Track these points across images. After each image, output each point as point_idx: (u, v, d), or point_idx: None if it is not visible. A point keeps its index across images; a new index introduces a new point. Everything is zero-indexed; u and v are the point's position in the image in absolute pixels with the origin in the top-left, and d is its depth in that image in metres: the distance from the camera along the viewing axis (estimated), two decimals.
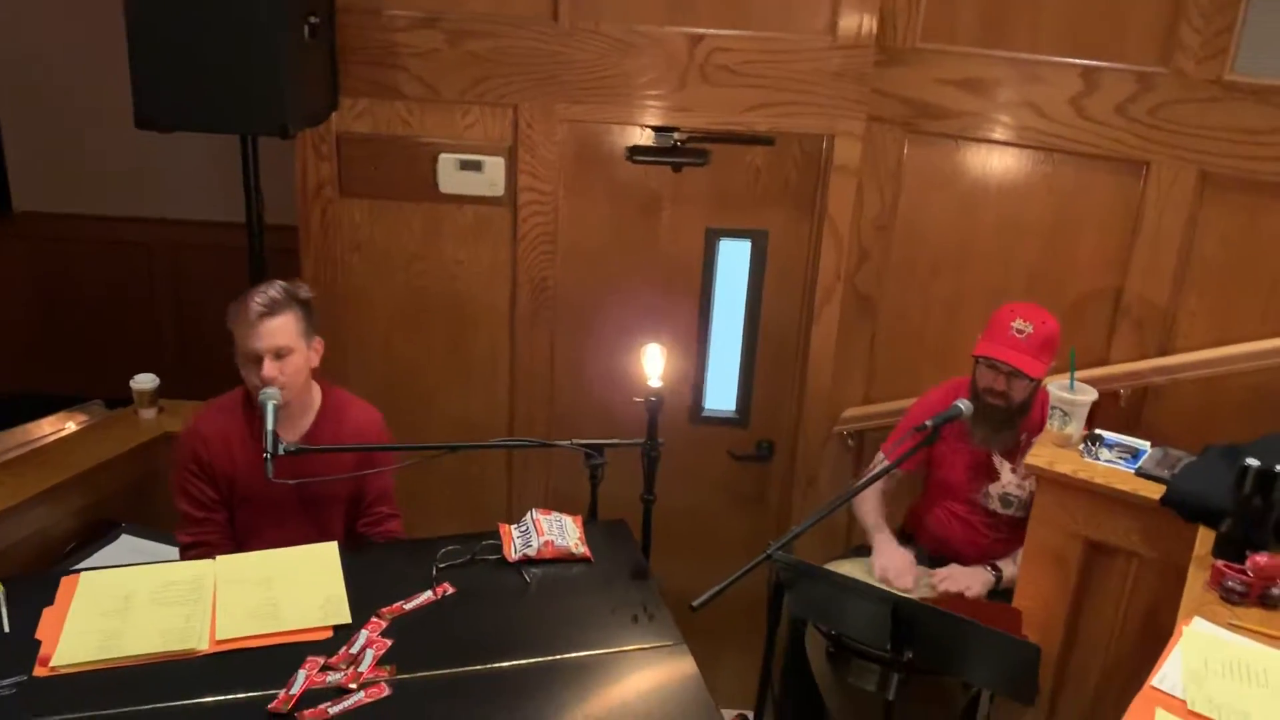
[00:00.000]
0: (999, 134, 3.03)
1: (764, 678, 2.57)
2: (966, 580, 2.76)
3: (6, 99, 5.00)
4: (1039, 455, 2.30)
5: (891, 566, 2.78)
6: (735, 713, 3.17)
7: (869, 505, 2.99)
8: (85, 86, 4.83)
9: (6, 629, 2.08)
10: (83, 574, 2.23)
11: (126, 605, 2.14)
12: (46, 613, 2.12)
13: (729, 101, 3.12)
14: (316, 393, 2.65)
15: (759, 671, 2.57)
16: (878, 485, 3.04)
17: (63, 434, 3.42)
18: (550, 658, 2.08)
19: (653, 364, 2.47)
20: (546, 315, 3.38)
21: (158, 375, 3.38)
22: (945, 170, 3.14)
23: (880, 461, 3.08)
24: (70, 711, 1.89)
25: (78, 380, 4.08)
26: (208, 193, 4.75)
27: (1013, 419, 2.76)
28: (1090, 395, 2.35)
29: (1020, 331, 2.67)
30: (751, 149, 3.26)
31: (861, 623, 2.40)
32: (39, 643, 2.04)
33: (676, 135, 3.19)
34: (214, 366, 2.85)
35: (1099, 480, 2.22)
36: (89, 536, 3.13)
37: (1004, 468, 2.86)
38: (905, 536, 3.07)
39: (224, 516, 2.59)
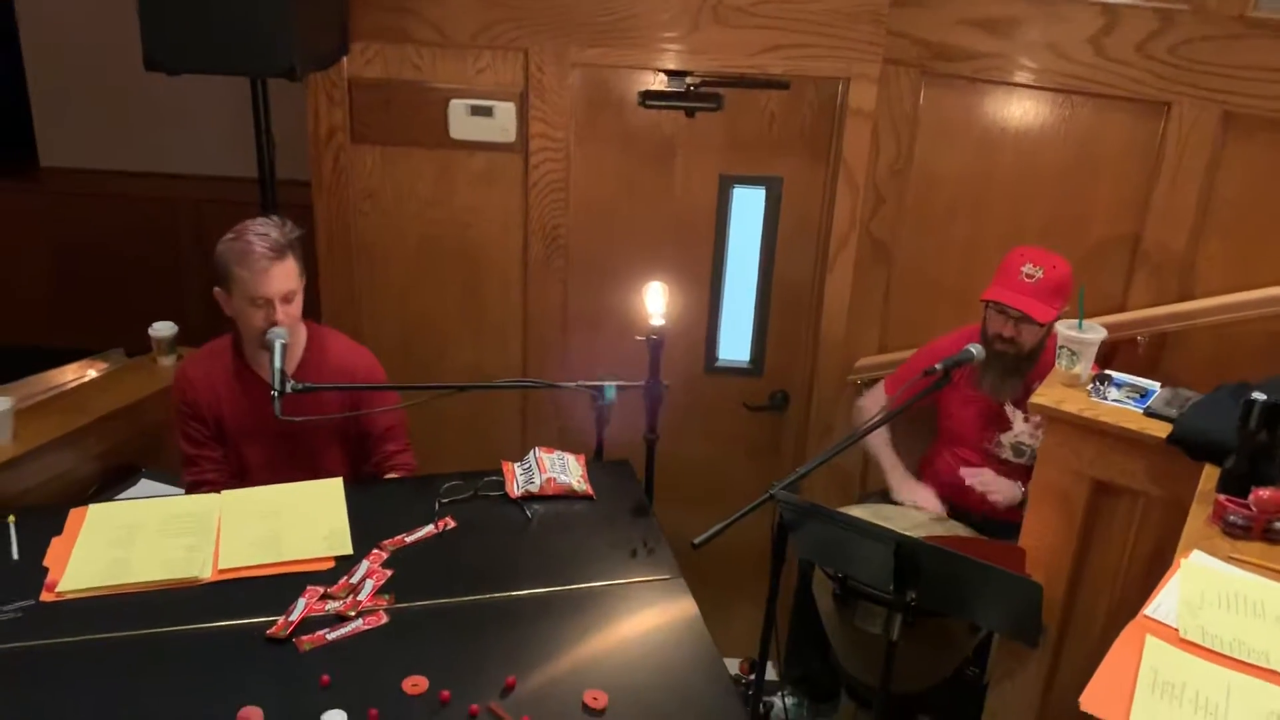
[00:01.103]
0: (1017, 75, 2.98)
1: (767, 620, 2.57)
2: (996, 485, 2.75)
3: (34, 55, 5.05)
4: (1046, 394, 2.27)
5: (920, 496, 2.79)
6: (744, 659, 3.17)
7: (884, 450, 2.98)
8: (111, 43, 4.85)
9: (16, 556, 2.13)
10: (91, 506, 2.27)
11: (133, 536, 2.18)
12: (55, 542, 2.16)
13: (743, 44, 3.08)
14: (303, 332, 2.65)
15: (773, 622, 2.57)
16: (886, 432, 3.03)
17: (84, 380, 3.47)
18: (547, 589, 2.10)
19: (655, 302, 2.46)
20: (558, 263, 3.37)
21: (181, 329, 3.42)
22: (962, 113, 3.09)
23: (884, 400, 3.07)
24: (74, 635, 1.93)
25: (101, 334, 4.12)
26: (230, 149, 4.77)
27: (1020, 366, 2.73)
28: (1099, 334, 2.31)
29: (1030, 276, 2.63)
30: (766, 94, 3.22)
31: (865, 563, 2.39)
32: (46, 570, 2.08)
33: (690, 79, 3.15)
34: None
35: (1106, 419, 2.18)
36: (110, 480, 3.17)
37: (1016, 417, 2.83)
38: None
39: (220, 453, 2.62)
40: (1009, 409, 2.84)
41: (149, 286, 5.04)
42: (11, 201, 5.24)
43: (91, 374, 3.52)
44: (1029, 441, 2.79)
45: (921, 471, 3.10)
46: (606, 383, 2.53)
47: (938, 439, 3.08)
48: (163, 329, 3.44)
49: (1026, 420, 2.80)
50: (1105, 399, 2.26)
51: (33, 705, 1.76)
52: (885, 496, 3.02)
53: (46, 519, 2.23)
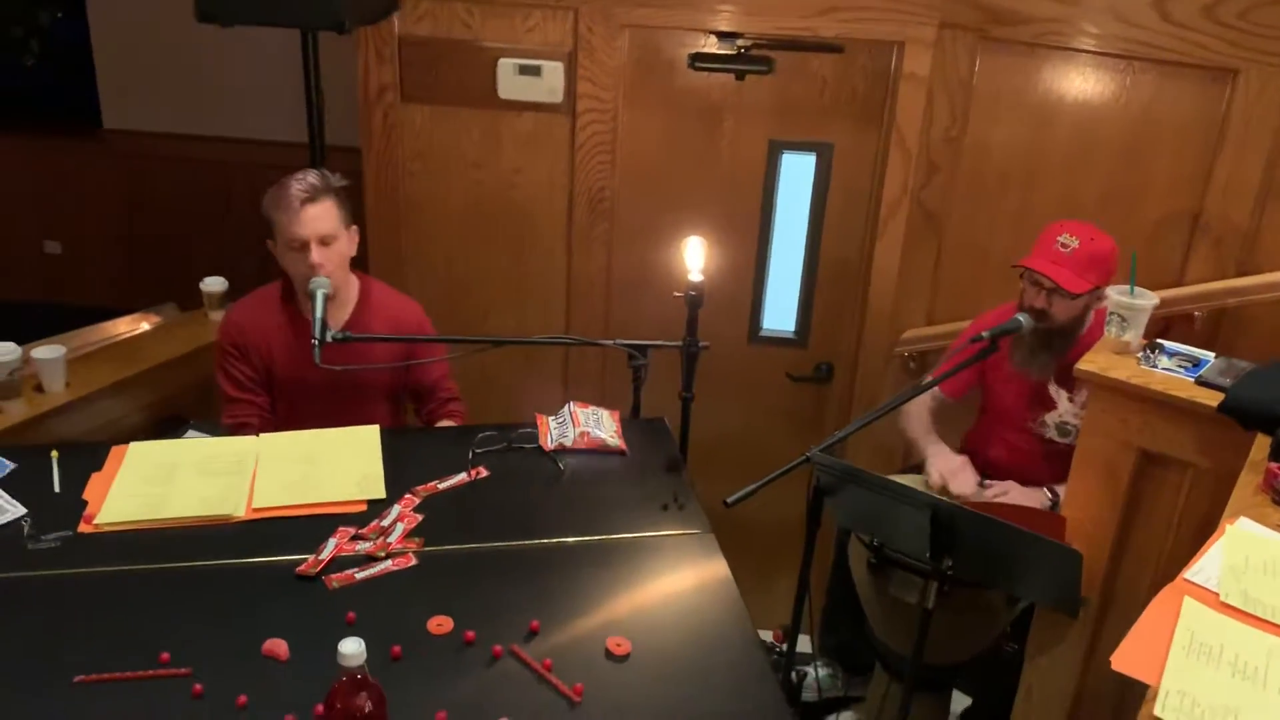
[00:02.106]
0: (1077, 41, 2.90)
1: (800, 586, 2.54)
2: (1022, 499, 2.68)
3: (99, 22, 5.15)
4: (1093, 361, 2.20)
5: (948, 469, 2.72)
6: (778, 626, 3.15)
7: (917, 421, 2.92)
8: (172, 11, 4.92)
9: (57, 489, 2.17)
10: (131, 444, 2.31)
11: (171, 474, 2.21)
12: (95, 477, 2.19)
13: (796, 6, 3.03)
14: (354, 284, 2.67)
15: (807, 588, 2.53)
16: (926, 407, 2.98)
17: (136, 332, 3.53)
18: (575, 538, 2.09)
19: (694, 257, 2.43)
20: (603, 226, 3.35)
21: (233, 287, 3.46)
22: (1018, 80, 3.02)
23: (933, 391, 3.01)
24: (109, 565, 1.96)
25: (158, 293, 4.20)
26: (285, 115, 4.82)
27: (1052, 341, 2.65)
28: (1150, 300, 2.24)
29: (1065, 246, 2.56)
30: (818, 57, 3.16)
31: (901, 529, 2.34)
32: (85, 503, 2.12)
33: (740, 42, 3.11)
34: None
35: (1156, 387, 2.12)
36: (157, 430, 3.22)
37: (1061, 396, 2.76)
38: None
39: (264, 399, 2.65)
40: (1052, 388, 2.77)
41: (204, 246, 5.12)
42: (75, 162, 5.37)
43: (144, 326, 3.59)
44: (1074, 421, 2.72)
45: (963, 452, 3.04)
46: (643, 342, 2.51)
47: (980, 419, 3.02)
48: (213, 284, 3.49)
49: (1071, 400, 2.73)
50: (1155, 367, 2.19)
51: (66, 631, 1.80)
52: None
53: (87, 455, 2.27)
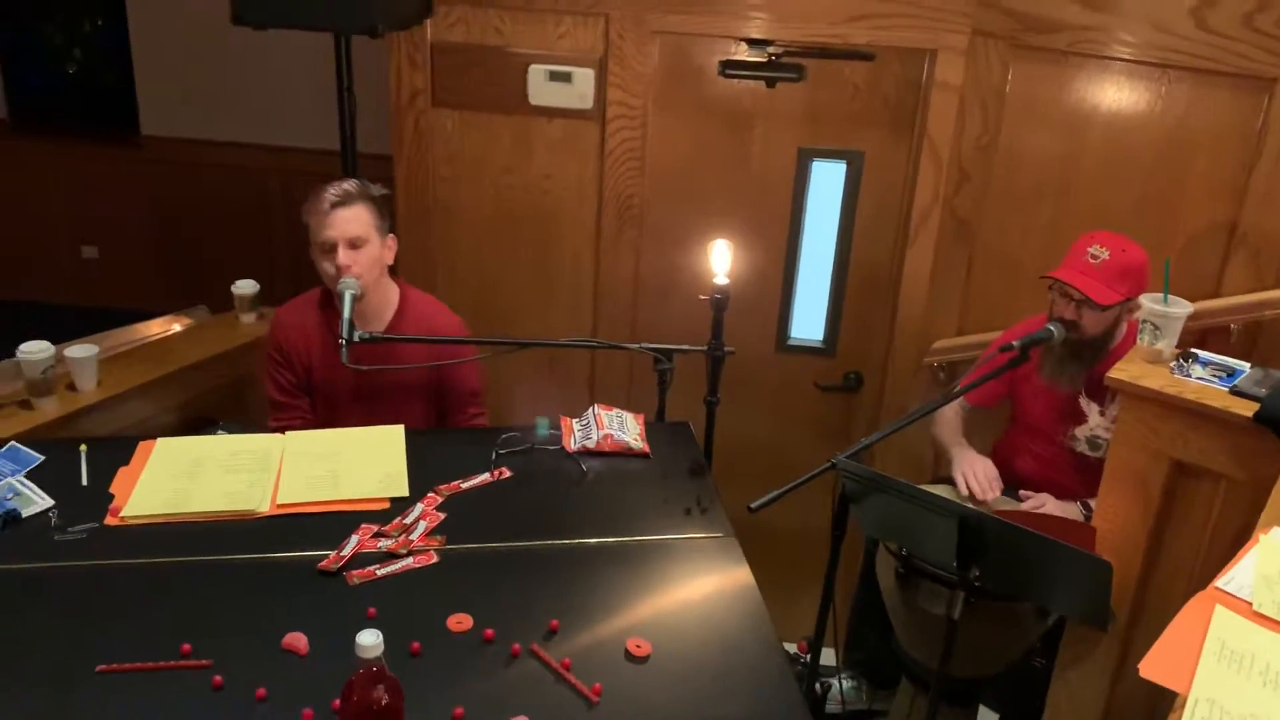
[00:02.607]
0: (1112, 49, 2.87)
1: (825, 594, 2.51)
2: (1057, 511, 2.64)
3: (139, 31, 5.23)
4: (1125, 370, 2.17)
5: (975, 473, 2.68)
6: (801, 638, 3.12)
7: (947, 427, 2.89)
8: (210, 21, 5.00)
9: (85, 482, 2.18)
10: (159, 440, 2.32)
11: (196, 469, 2.22)
12: (122, 471, 2.21)
13: (827, 12, 3.02)
14: (394, 293, 2.68)
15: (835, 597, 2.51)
16: (956, 415, 2.95)
17: (168, 334, 3.57)
18: (596, 539, 2.08)
19: (720, 260, 2.42)
20: (632, 233, 3.35)
21: (266, 292, 3.49)
22: (1052, 89, 2.99)
23: (962, 400, 2.98)
24: (134, 557, 1.97)
25: (191, 296, 4.25)
26: (320, 123, 4.88)
27: (1083, 353, 2.61)
28: (1184, 308, 2.20)
29: (1095, 257, 2.53)
30: (849, 65, 3.16)
31: (928, 538, 2.31)
32: (112, 496, 2.13)
33: (771, 49, 3.11)
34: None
35: (1189, 396, 2.08)
36: (187, 432, 3.24)
37: (1092, 410, 2.72)
38: None
39: (306, 403, 2.68)
40: (1083, 401, 2.73)
41: (238, 251, 5.19)
42: (113, 168, 5.45)
43: (175, 328, 3.62)
44: (1104, 435, 2.68)
45: (992, 459, 3.00)
46: (668, 346, 2.51)
47: (1010, 431, 2.98)
48: (245, 287, 3.52)
49: (1102, 413, 2.69)
50: (1189, 376, 2.16)
51: (90, 621, 1.81)
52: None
53: (116, 449, 2.30)
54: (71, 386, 2.94)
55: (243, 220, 5.31)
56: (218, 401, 3.36)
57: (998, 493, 2.66)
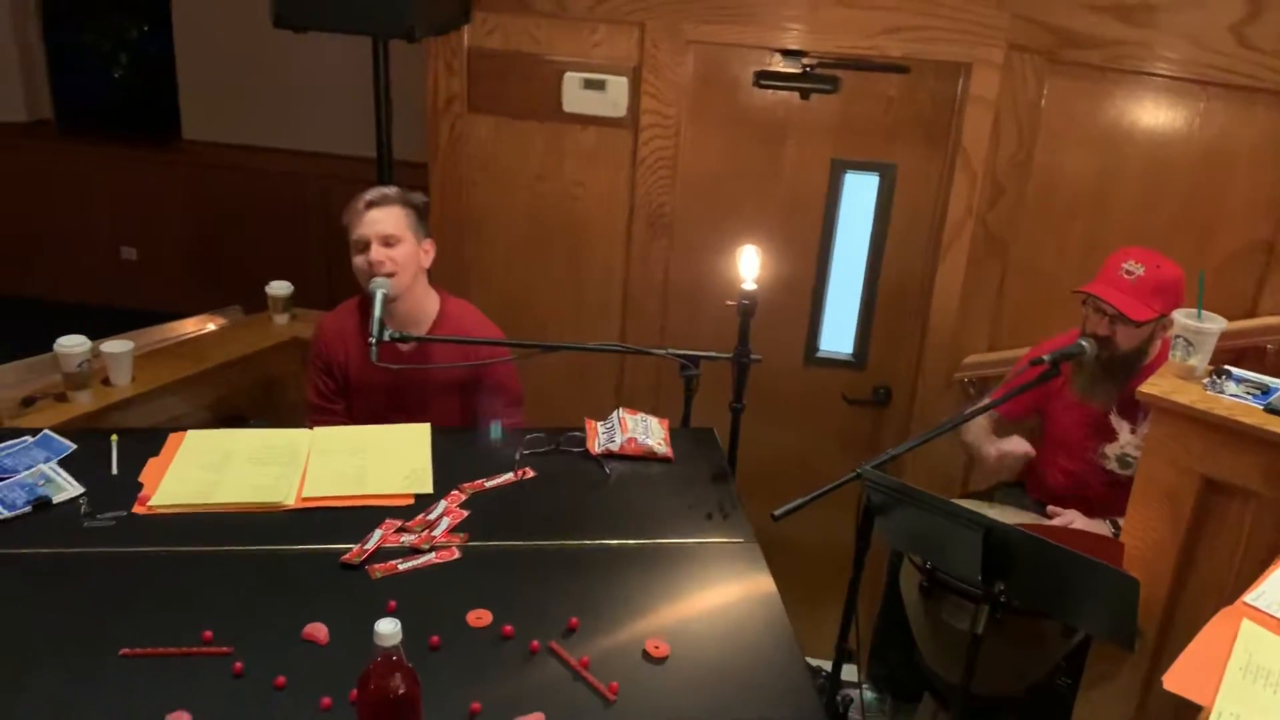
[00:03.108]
0: (1149, 65, 2.85)
1: (848, 606, 2.49)
2: (1086, 528, 2.61)
3: (183, 39, 5.32)
4: (1156, 385, 2.14)
5: (1003, 444, 2.69)
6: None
7: (978, 432, 2.87)
8: (252, 30, 5.08)
9: (115, 471, 2.22)
10: (189, 432, 2.35)
11: (225, 461, 2.25)
12: (151, 461, 2.24)
13: (863, 24, 3.03)
14: (434, 300, 2.70)
15: (859, 611, 2.49)
16: (984, 428, 2.92)
17: (202, 332, 3.62)
18: (618, 540, 2.08)
19: (748, 265, 2.42)
20: (662, 241, 3.36)
21: (301, 296, 3.53)
22: (1088, 104, 2.97)
23: (992, 413, 2.95)
24: (161, 545, 2.00)
25: (227, 301, 4.30)
26: (356, 129, 4.94)
27: (1115, 370, 2.59)
28: (1218, 324, 2.17)
29: (1129, 273, 2.50)
30: (884, 78, 3.15)
31: (953, 551, 2.28)
32: (141, 485, 2.16)
33: (806, 60, 3.11)
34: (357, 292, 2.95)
35: (1221, 412, 2.05)
36: (219, 428, 3.29)
37: (1123, 428, 2.69)
38: (1020, 490, 2.93)
39: (342, 407, 2.71)
40: (1114, 418, 2.70)
41: (273, 255, 5.24)
42: (154, 172, 5.53)
43: (210, 327, 3.68)
44: (1135, 453, 2.64)
45: (1022, 478, 2.97)
46: (695, 353, 2.51)
47: (1041, 445, 2.95)
48: (279, 288, 3.56)
49: (1133, 431, 2.66)
50: (1222, 393, 2.13)
51: (115, 606, 1.83)
52: (988, 496, 2.91)
53: (146, 440, 2.33)
54: (107, 381, 2.99)
55: (279, 225, 5.37)
56: (249, 400, 3.40)
57: (1027, 446, 2.65)
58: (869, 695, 3.06)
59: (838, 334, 3.50)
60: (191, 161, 5.47)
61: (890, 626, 2.97)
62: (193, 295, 5.31)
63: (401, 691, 1.42)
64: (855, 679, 2.91)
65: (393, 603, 1.83)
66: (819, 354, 3.52)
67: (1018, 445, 2.70)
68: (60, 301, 5.56)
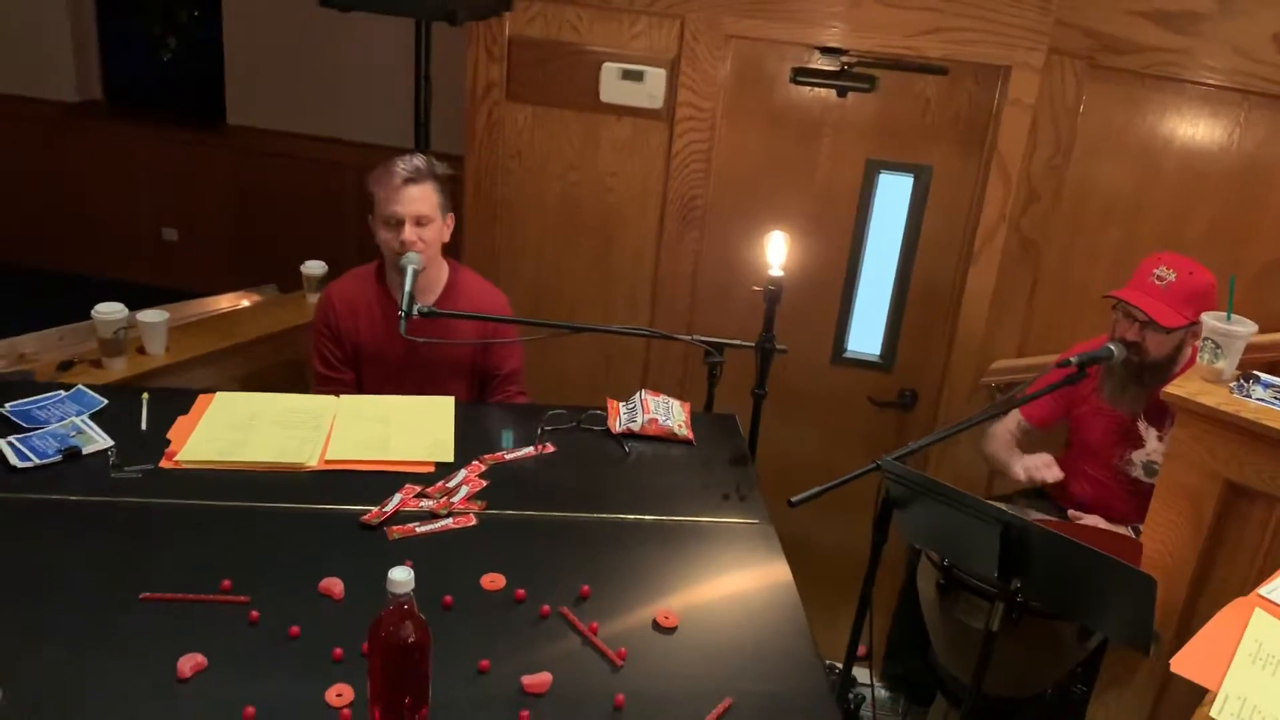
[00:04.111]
0: (1190, 73, 2.83)
1: (863, 600, 2.49)
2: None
3: (232, 25, 5.41)
4: (1182, 386, 2.13)
5: (1033, 464, 2.66)
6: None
7: (1000, 443, 2.86)
8: (299, 19, 5.17)
9: (144, 427, 2.26)
10: (217, 393, 2.39)
11: (251, 422, 2.29)
12: (180, 420, 2.28)
13: (903, 24, 3.03)
14: (444, 269, 2.73)
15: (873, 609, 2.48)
16: (1010, 433, 2.91)
17: (236, 308, 3.67)
18: (633, 516, 2.10)
19: (775, 251, 2.43)
20: (693, 235, 3.37)
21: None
22: (1126, 111, 2.96)
23: (1018, 419, 2.94)
24: (185, 499, 2.03)
25: (263, 283, 4.35)
26: (396, 121, 5.00)
27: (1143, 376, 2.57)
28: (1248, 328, 2.15)
29: (1161, 279, 2.49)
30: (922, 79, 3.15)
31: (971, 548, 2.27)
32: (169, 441, 2.20)
33: (844, 59, 3.12)
34: None
35: (1247, 416, 2.03)
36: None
37: (1150, 434, 2.67)
38: (1042, 495, 2.92)
39: (350, 377, 2.73)
40: (1141, 425, 2.68)
41: (310, 241, 5.29)
42: (197, 155, 5.62)
43: (244, 304, 3.73)
44: (1161, 461, 2.62)
45: (1047, 485, 2.95)
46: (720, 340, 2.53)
47: (1066, 453, 2.93)
48: (314, 267, 3.61)
49: (1160, 438, 2.64)
50: (1249, 397, 2.11)
51: (138, 554, 1.87)
52: (1010, 501, 2.90)
53: (176, 399, 2.37)
54: (141, 350, 3.05)
55: (316, 211, 5.44)
56: (279, 376, 3.44)
57: (1058, 472, 2.61)
58: (882, 694, 3.05)
59: (866, 335, 3.49)
60: (234, 146, 5.55)
61: (906, 626, 2.96)
62: (230, 277, 5.38)
63: (411, 640, 1.44)
64: (868, 678, 2.90)
65: (409, 562, 1.84)
66: (846, 354, 3.51)
67: (1049, 472, 2.67)
68: (101, 278, 5.65)
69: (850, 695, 2.86)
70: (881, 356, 3.50)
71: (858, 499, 3.32)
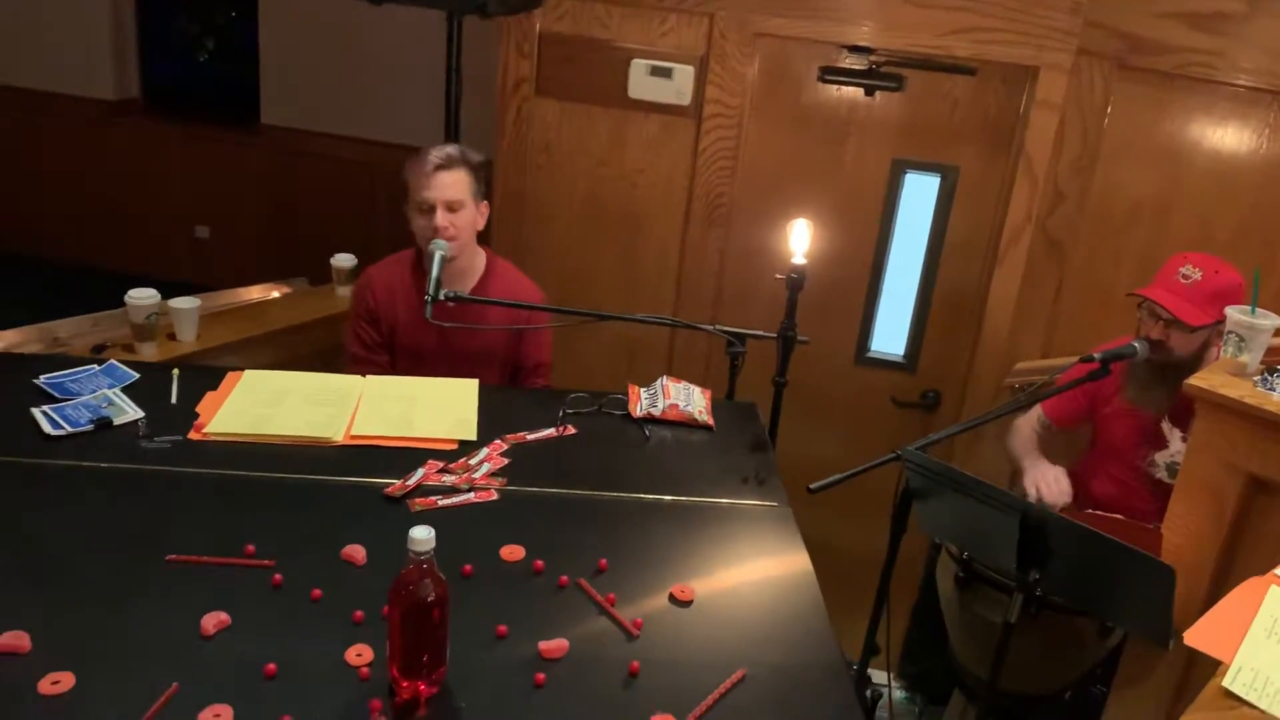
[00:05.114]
0: (1220, 74, 2.83)
1: (880, 594, 2.49)
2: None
3: (268, 27, 5.50)
4: (1205, 379, 2.12)
5: (1046, 480, 2.63)
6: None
7: (1022, 440, 2.85)
8: (334, 21, 5.25)
9: (174, 401, 2.30)
10: (246, 371, 2.43)
11: (280, 398, 2.32)
12: (209, 395, 2.32)
13: (932, 23, 3.04)
14: (481, 258, 2.77)
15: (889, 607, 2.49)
16: (1032, 430, 2.91)
17: (266, 299, 3.72)
18: (652, 496, 2.11)
19: (799, 239, 2.45)
20: (718, 233, 3.39)
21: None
22: (1154, 111, 2.96)
23: (1040, 416, 2.94)
24: (212, 468, 2.07)
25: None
26: (427, 122, 5.05)
27: (1167, 376, 2.56)
28: (1272, 321, 2.14)
29: (1186, 278, 2.48)
30: (950, 79, 3.16)
31: (990, 538, 2.28)
32: (198, 414, 2.24)
33: (873, 58, 3.14)
34: None
35: (1271, 409, 2.02)
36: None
37: (1174, 435, 2.66)
38: None
39: (385, 360, 2.76)
40: (1165, 425, 2.67)
41: (341, 239, 5.36)
42: (231, 153, 5.70)
43: (274, 295, 3.78)
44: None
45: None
46: (742, 330, 2.54)
47: (1088, 454, 2.92)
48: (343, 260, 3.66)
49: (1184, 439, 2.63)
50: (1273, 391, 2.10)
51: (165, 519, 1.90)
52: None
53: (205, 376, 2.41)
54: (172, 336, 3.09)
55: (347, 211, 5.50)
56: (307, 366, 3.43)
57: (1069, 499, 2.61)
58: (899, 694, 3.04)
59: (890, 335, 3.49)
60: (267, 145, 5.64)
61: (924, 626, 2.96)
62: (261, 276, 5.46)
63: (431, 598, 1.46)
64: (884, 676, 2.89)
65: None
66: (869, 354, 3.52)
67: (1056, 493, 2.65)
68: (134, 274, 5.73)
69: (867, 693, 2.86)
70: (905, 357, 3.50)
71: (875, 502, 3.32)
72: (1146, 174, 3.01)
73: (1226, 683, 1.25)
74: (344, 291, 3.64)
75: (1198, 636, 1.34)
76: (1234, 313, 2.18)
